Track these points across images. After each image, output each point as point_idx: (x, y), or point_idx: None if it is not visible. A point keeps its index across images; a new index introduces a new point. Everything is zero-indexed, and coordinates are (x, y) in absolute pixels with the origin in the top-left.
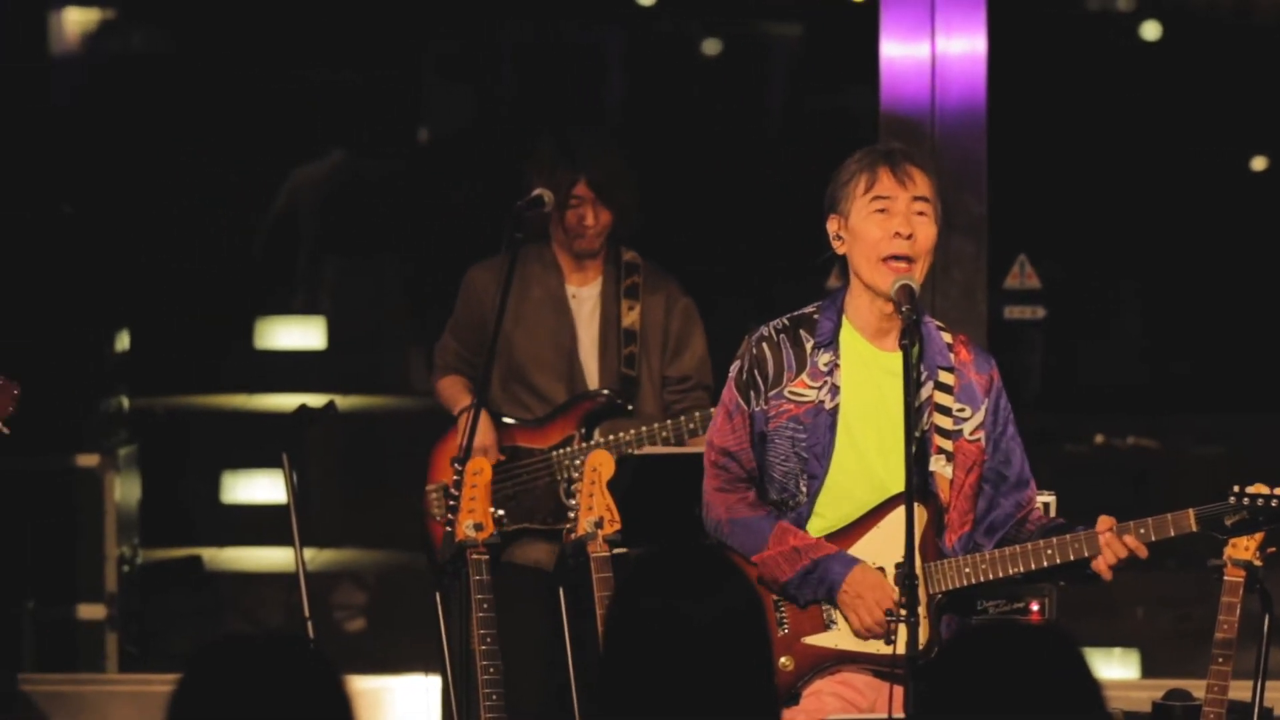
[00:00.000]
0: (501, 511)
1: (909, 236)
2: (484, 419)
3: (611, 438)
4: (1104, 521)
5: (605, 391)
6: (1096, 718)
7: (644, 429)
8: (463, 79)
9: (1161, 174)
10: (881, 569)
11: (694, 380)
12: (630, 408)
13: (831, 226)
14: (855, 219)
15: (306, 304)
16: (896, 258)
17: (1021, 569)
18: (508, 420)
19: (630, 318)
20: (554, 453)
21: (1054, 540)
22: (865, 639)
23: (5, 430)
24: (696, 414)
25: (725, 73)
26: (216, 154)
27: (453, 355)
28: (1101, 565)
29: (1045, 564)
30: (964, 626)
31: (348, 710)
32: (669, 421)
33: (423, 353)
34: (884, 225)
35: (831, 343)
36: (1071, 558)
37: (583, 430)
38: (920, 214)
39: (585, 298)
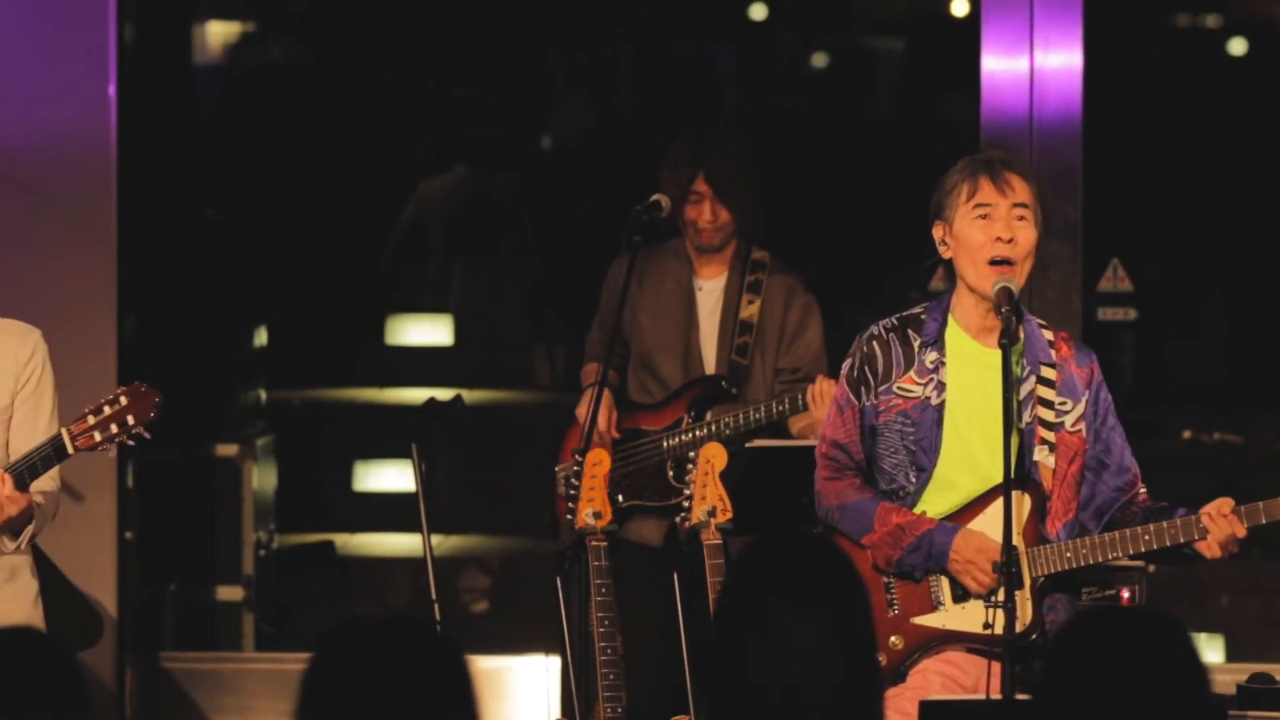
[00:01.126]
0: (620, 494)
1: (1010, 240)
2: (604, 401)
3: (715, 426)
4: (1224, 504)
5: (714, 377)
6: (1203, 699)
7: (740, 413)
8: (584, 90)
9: (1246, 182)
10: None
11: (804, 372)
12: (734, 391)
13: (937, 233)
14: (959, 225)
15: (435, 302)
16: (998, 260)
17: (1120, 554)
18: (633, 401)
19: (749, 311)
20: (665, 434)
21: (1151, 527)
22: (984, 596)
23: (146, 435)
24: (786, 398)
25: (832, 84)
26: (351, 160)
27: (597, 344)
28: (1212, 544)
29: (1143, 549)
30: (1078, 612)
31: (470, 688)
32: (761, 406)
33: (544, 350)
34: (986, 230)
35: (937, 341)
36: (1168, 543)
37: (692, 414)
38: (1020, 219)
39: (710, 290)
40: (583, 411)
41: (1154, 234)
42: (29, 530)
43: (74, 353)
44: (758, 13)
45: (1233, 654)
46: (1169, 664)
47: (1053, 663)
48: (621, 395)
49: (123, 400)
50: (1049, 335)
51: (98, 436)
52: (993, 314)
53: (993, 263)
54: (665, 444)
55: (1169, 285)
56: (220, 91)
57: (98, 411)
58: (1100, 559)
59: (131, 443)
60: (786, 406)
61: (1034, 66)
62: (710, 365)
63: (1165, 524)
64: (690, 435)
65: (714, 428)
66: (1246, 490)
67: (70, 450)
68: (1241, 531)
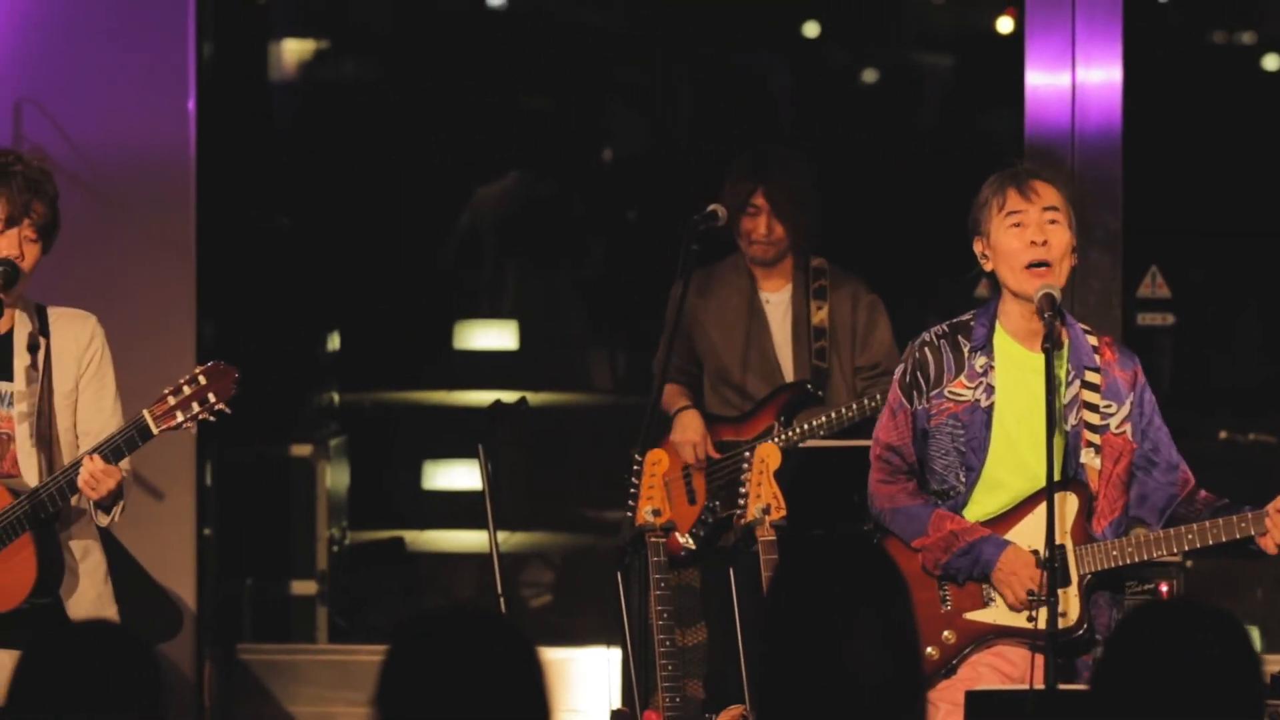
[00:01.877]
0: (717, 501)
1: (1044, 243)
2: (696, 417)
3: (806, 426)
4: None
5: (800, 383)
6: (1256, 694)
7: (833, 413)
8: (642, 104)
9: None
10: (1035, 551)
11: (882, 366)
12: (821, 394)
13: (977, 247)
14: (995, 236)
15: (501, 308)
16: (1036, 264)
17: (1165, 551)
18: (716, 414)
19: (819, 316)
20: (757, 442)
21: (1194, 526)
22: (1020, 611)
23: (227, 410)
24: (877, 394)
25: (882, 99)
26: (419, 171)
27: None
28: (1269, 543)
29: (1186, 547)
30: (1140, 606)
31: (541, 677)
32: (853, 403)
33: (606, 355)
34: (1020, 237)
35: (985, 346)
36: (1210, 542)
37: (781, 419)
38: (1052, 222)
39: (777, 302)
40: (679, 437)
41: (1191, 242)
42: (119, 507)
43: (154, 356)
44: (810, 30)
45: (1268, 645)
46: (1225, 659)
47: (1111, 654)
48: (700, 410)
49: (201, 379)
50: (1093, 340)
51: (180, 416)
52: (1037, 319)
53: (1030, 266)
54: None
55: (1206, 291)
56: (294, 105)
57: (177, 392)
58: (1146, 556)
59: (213, 419)
60: (878, 403)
61: (1076, 82)
62: (789, 373)
63: (1208, 523)
64: (784, 439)
65: (805, 429)
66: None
67: (154, 431)
68: None
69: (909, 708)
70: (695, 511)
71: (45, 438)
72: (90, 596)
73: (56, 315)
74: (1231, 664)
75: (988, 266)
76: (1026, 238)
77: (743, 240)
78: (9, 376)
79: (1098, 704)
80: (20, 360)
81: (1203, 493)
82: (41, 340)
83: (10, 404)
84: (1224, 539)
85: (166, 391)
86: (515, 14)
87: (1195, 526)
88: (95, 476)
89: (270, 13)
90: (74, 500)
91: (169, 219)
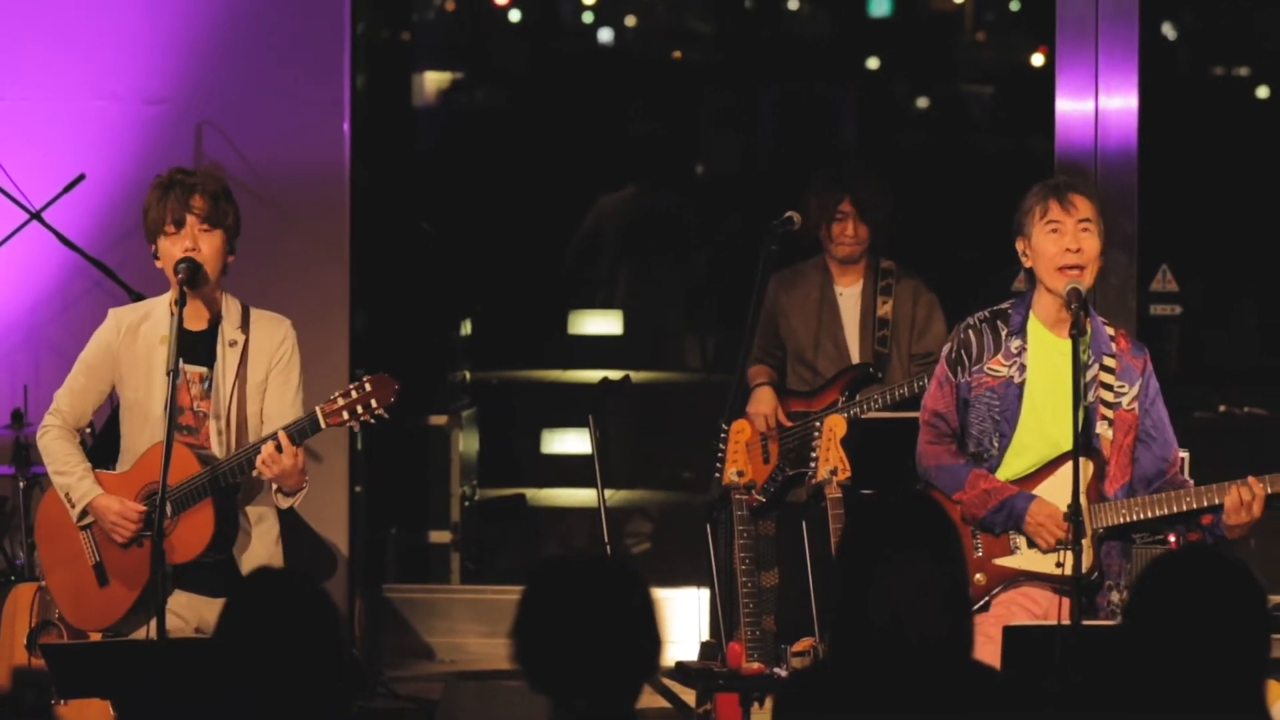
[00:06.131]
0: (787, 462)
1: (1077, 250)
2: (769, 393)
3: (867, 401)
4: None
5: (863, 365)
6: (1263, 629)
7: (886, 391)
8: (731, 128)
9: (1272, 201)
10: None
11: (935, 355)
12: (880, 375)
13: (1019, 246)
14: (1035, 239)
15: (608, 300)
16: (1069, 266)
17: (1164, 510)
18: (793, 389)
19: (884, 309)
20: (824, 413)
21: (1193, 489)
22: (1049, 554)
23: (386, 416)
24: (926, 376)
25: (934, 122)
26: (540, 184)
27: (758, 349)
28: (1227, 510)
29: (1183, 508)
30: (1164, 554)
31: (652, 612)
32: (904, 384)
33: (697, 339)
34: (1057, 243)
35: (1020, 331)
36: (1204, 503)
37: (846, 395)
38: (1085, 230)
39: (849, 296)
40: (753, 409)
41: (1197, 243)
42: (300, 494)
43: (313, 343)
44: (873, 64)
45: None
46: (1236, 602)
47: (1138, 596)
48: (782, 386)
49: (367, 386)
50: (1110, 330)
51: (345, 416)
52: (1065, 310)
53: (1063, 268)
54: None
55: (1209, 286)
56: (435, 128)
57: (346, 395)
58: (1149, 515)
59: (373, 421)
60: (927, 383)
61: (1098, 108)
62: (855, 356)
63: (1201, 488)
64: (848, 413)
65: (866, 405)
66: (1272, 456)
67: (322, 425)
68: (1259, 491)
69: (959, 634)
70: (768, 470)
71: (235, 419)
72: (262, 556)
73: (257, 316)
74: (1241, 607)
75: (1026, 263)
76: (1063, 244)
77: (831, 243)
78: (210, 364)
79: (1127, 638)
80: (221, 351)
81: (1190, 481)
82: (241, 335)
83: (210, 388)
84: (1217, 500)
85: (337, 394)
86: (623, 50)
87: (1194, 490)
88: (271, 457)
89: (414, 49)
90: (255, 473)
91: (327, 224)
